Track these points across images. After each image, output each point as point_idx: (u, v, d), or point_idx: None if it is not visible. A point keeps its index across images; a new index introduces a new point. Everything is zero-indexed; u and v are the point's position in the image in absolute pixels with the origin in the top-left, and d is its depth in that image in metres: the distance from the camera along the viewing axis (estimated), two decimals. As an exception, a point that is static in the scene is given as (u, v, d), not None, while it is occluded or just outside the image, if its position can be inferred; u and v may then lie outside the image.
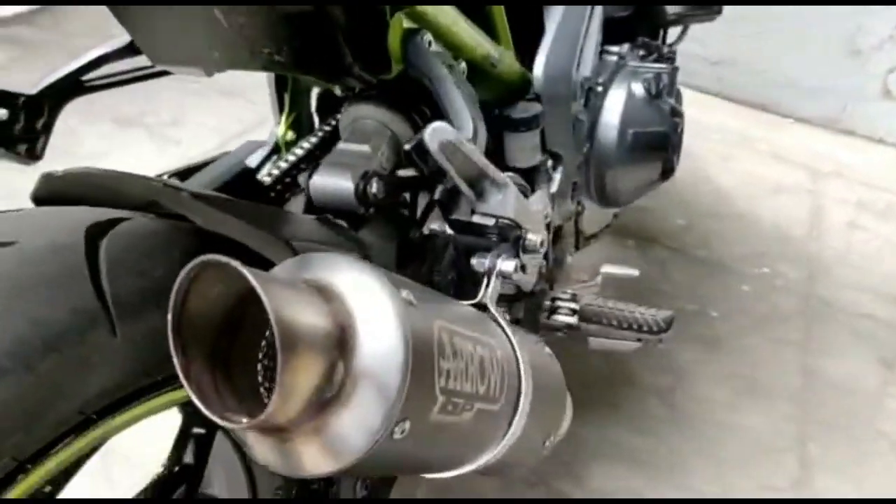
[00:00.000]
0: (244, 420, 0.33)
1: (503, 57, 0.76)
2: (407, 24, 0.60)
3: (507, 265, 0.52)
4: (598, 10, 0.93)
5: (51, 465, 0.39)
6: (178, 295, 0.34)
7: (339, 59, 0.60)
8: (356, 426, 0.35)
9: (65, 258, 0.42)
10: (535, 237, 0.58)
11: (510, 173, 0.57)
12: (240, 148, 0.82)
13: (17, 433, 0.36)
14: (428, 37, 0.61)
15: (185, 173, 0.76)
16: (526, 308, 0.84)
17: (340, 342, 0.34)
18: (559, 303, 0.84)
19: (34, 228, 0.44)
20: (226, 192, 0.68)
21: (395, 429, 0.35)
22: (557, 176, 0.88)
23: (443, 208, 0.58)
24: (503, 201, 0.52)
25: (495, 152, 0.81)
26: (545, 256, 0.84)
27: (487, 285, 0.51)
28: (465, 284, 0.59)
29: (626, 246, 1.82)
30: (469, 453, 0.46)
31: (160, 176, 0.75)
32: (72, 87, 0.73)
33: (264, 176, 0.68)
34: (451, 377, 0.39)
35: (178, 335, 0.34)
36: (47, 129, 0.72)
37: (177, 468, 0.64)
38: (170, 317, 0.34)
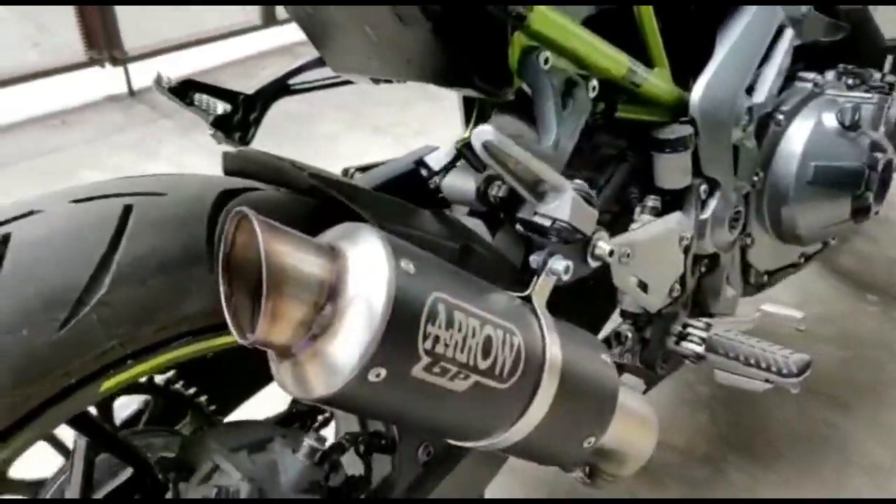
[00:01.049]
0: (250, 336, 0.42)
1: (651, 76, 0.77)
2: (528, 41, 0.66)
3: (557, 264, 0.55)
4: (788, 34, 0.89)
5: (146, 365, 0.51)
6: (226, 238, 0.44)
7: (466, 74, 0.68)
8: (337, 361, 0.42)
9: (195, 210, 0.55)
10: (606, 245, 0.60)
11: (578, 181, 0.59)
12: (415, 151, 0.92)
13: (126, 325, 0.49)
14: (545, 55, 0.66)
15: (366, 168, 0.88)
16: (654, 329, 0.84)
17: (332, 289, 0.42)
18: (690, 329, 0.82)
19: (185, 186, 0.57)
20: (391, 188, 0.79)
21: (370, 371, 0.42)
22: (712, 202, 0.86)
23: (505, 206, 0.63)
24: (560, 206, 0.55)
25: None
26: (682, 280, 0.84)
27: (536, 280, 0.54)
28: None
29: (867, 301, 1.64)
30: (478, 424, 0.50)
31: (348, 169, 0.88)
32: (279, 90, 0.89)
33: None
34: (441, 343, 0.44)
35: (225, 271, 0.44)
36: (257, 122, 0.89)
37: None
38: (220, 255, 0.44)
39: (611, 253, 0.61)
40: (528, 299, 0.54)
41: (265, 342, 0.42)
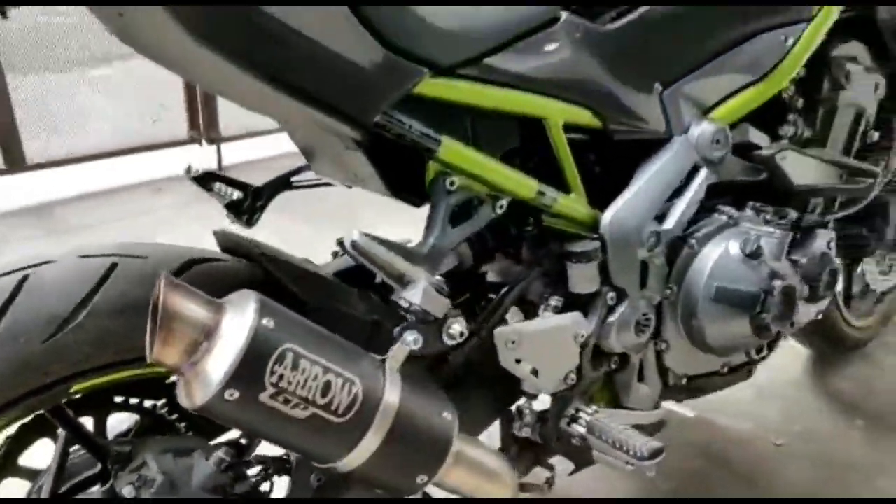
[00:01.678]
0: (150, 356, 0.62)
1: (563, 199, 0.95)
2: (441, 168, 0.85)
3: (409, 336, 0.72)
4: (703, 173, 1.04)
5: (106, 378, 0.72)
6: (156, 291, 0.65)
7: (393, 188, 0.88)
8: (205, 381, 0.61)
9: (161, 271, 0.76)
10: (459, 328, 0.77)
11: (437, 277, 0.76)
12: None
13: (92, 347, 0.70)
14: (451, 179, 0.85)
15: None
16: (550, 410, 0.98)
17: (210, 331, 0.62)
18: (580, 413, 0.96)
19: (163, 253, 0.79)
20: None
21: (225, 391, 0.61)
22: (619, 308, 1.00)
23: (383, 291, 0.81)
24: (414, 293, 0.73)
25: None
26: (579, 371, 0.98)
27: (393, 347, 0.72)
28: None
29: (854, 425, 1.68)
30: (319, 447, 0.67)
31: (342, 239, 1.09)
32: (282, 184, 1.13)
33: None
34: (285, 380, 0.63)
35: (153, 312, 0.65)
36: (262, 208, 1.12)
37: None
38: (151, 301, 0.65)
39: (461, 334, 0.78)
40: (382, 361, 0.72)
41: (158, 361, 0.61)
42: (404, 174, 0.87)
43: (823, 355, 1.89)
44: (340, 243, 0.84)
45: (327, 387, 0.65)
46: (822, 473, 1.53)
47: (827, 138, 1.16)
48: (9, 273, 0.71)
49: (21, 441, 0.84)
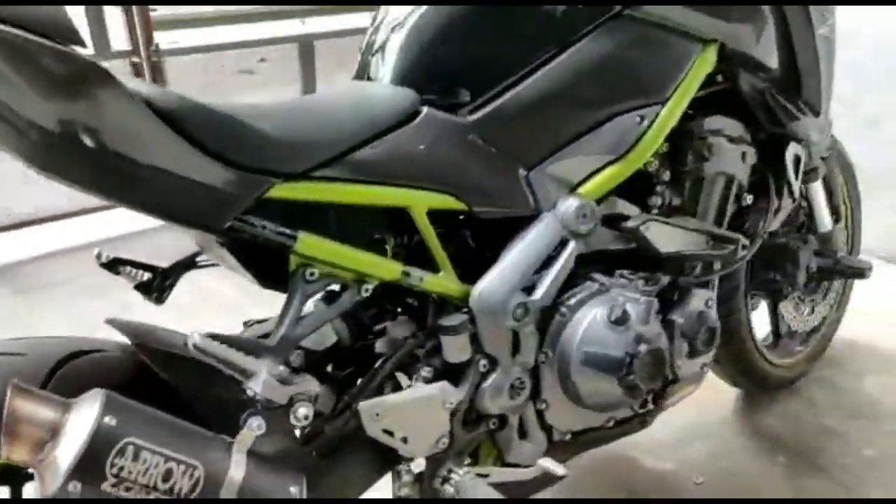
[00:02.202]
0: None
1: (428, 278, 1.04)
2: (301, 260, 0.94)
3: (252, 422, 0.81)
4: (571, 245, 1.13)
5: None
6: (9, 394, 0.74)
7: (262, 280, 0.98)
8: (51, 475, 0.70)
9: (41, 367, 0.85)
10: (304, 411, 0.86)
11: (281, 367, 0.86)
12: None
13: None
14: (311, 270, 0.94)
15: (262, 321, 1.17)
16: (426, 471, 1.06)
17: (57, 430, 0.71)
18: (452, 474, 1.04)
19: (45, 347, 0.88)
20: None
21: (69, 484, 0.70)
22: (493, 375, 1.09)
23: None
24: (256, 383, 0.82)
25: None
26: (451, 434, 1.06)
27: (241, 432, 0.81)
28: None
29: (776, 462, 1.74)
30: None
31: (248, 322, 1.18)
32: (188, 264, 1.22)
33: None
34: (126, 470, 0.72)
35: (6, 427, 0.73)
36: (171, 287, 1.21)
37: None
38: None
39: (306, 417, 0.87)
40: (229, 444, 0.81)
41: (9, 459, 0.71)
42: (269, 267, 0.96)
43: (751, 393, 1.95)
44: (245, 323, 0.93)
45: (168, 473, 0.74)
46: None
47: (697, 206, 1.24)
48: None
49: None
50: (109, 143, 0.75)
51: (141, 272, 1.17)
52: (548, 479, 1.21)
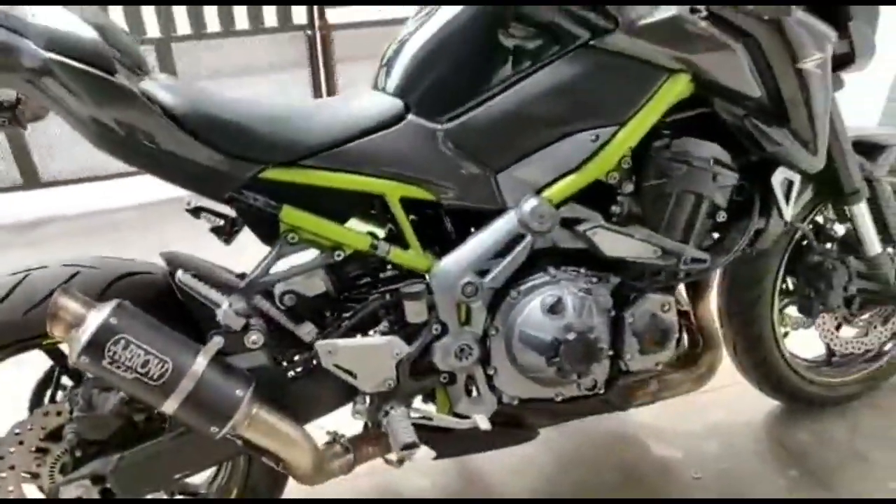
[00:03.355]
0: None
1: (394, 251, 1.29)
2: (287, 226, 1.25)
3: (216, 338, 1.15)
4: (527, 240, 1.31)
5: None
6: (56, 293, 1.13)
7: (263, 238, 1.29)
8: (72, 350, 1.08)
9: (104, 279, 1.24)
10: (255, 337, 1.17)
11: (243, 305, 1.17)
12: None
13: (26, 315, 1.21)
14: (292, 235, 1.24)
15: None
16: (370, 405, 1.34)
17: (81, 320, 1.09)
18: (391, 410, 1.30)
19: (111, 266, 1.27)
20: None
21: (80, 357, 1.07)
22: (443, 338, 1.33)
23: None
24: (220, 312, 1.14)
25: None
26: (398, 379, 1.31)
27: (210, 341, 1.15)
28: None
29: (785, 476, 1.77)
30: (144, 396, 1.11)
31: None
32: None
33: None
34: (117, 354, 1.08)
35: (49, 312, 1.13)
36: (237, 232, 1.57)
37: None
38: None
39: (254, 342, 1.18)
40: (198, 351, 1.14)
41: (52, 335, 1.10)
42: (269, 231, 1.27)
43: (793, 407, 1.96)
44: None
45: (146, 363, 1.09)
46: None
47: (661, 219, 1.35)
48: (18, 273, 1.23)
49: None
50: (133, 136, 1.11)
51: (215, 218, 1.53)
52: (508, 435, 1.45)
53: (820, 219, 1.74)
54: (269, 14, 3.07)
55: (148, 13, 2.90)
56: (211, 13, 2.98)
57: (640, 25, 1.23)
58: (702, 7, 1.24)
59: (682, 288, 1.57)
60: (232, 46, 3.12)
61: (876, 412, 1.96)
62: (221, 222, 1.41)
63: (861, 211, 1.64)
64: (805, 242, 1.71)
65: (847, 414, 1.95)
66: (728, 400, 1.98)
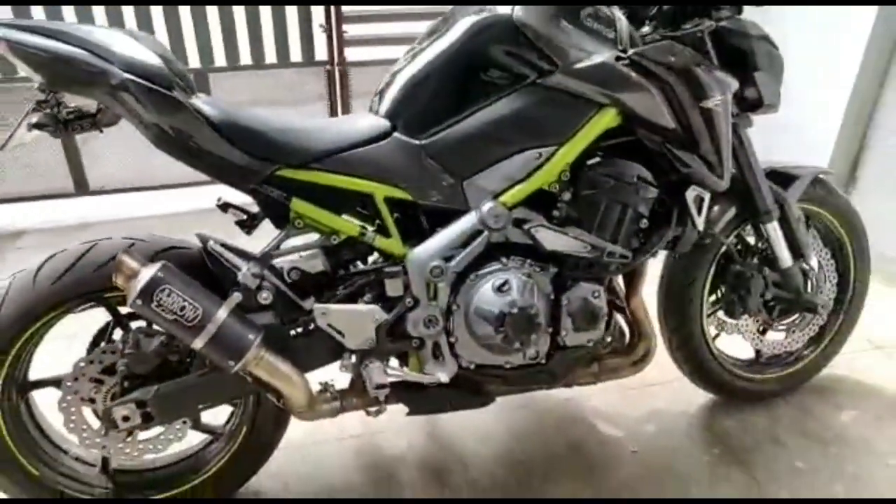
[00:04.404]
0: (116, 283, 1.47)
1: (378, 239, 1.65)
2: (294, 214, 1.61)
3: (235, 294, 1.50)
4: (484, 235, 1.66)
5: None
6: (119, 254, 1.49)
7: (275, 222, 1.65)
8: (129, 296, 1.44)
9: (151, 250, 1.61)
10: (264, 295, 1.53)
11: (257, 270, 1.53)
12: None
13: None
14: (298, 220, 1.61)
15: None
16: (355, 359, 1.68)
17: (136, 275, 1.45)
18: (370, 365, 1.65)
19: (157, 241, 1.64)
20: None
21: (135, 302, 1.43)
22: (415, 310, 1.67)
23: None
24: (241, 275, 1.51)
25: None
26: (377, 339, 1.66)
27: (231, 295, 1.50)
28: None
29: (708, 451, 2.08)
30: (179, 334, 1.47)
31: None
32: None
33: None
34: (163, 301, 1.44)
35: (115, 266, 1.50)
36: (256, 226, 1.94)
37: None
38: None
39: (265, 298, 1.54)
40: (222, 303, 1.50)
41: (116, 285, 1.46)
42: (283, 218, 1.64)
43: (726, 401, 2.28)
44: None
45: (183, 308, 1.45)
46: (653, 480, 1.99)
47: (593, 223, 1.70)
48: (88, 242, 1.61)
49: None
50: (183, 138, 1.48)
51: (240, 213, 1.89)
52: (455, 396, 1.78)
53: (745, 236, 2.08)
54: (295, 50, 3.48)
55: (190, 45, 3.33)
56: (244, 48, 3.40)
57: (575, 69, 1.59)
58: (625, 56, 1.61)
59: (620, 286, 1.91)
60: (261, 78, 3.54)
61: (794, 408, 2.27)
62: (245, 216, 1.77)
63: (773, 229, 1.97)
64: (729, 255, 2.04)
65: (770, 407, 2.26)
66: (670, 392, 2.31)
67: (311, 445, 2.10)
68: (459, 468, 2.04)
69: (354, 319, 1.64)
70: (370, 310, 1.65)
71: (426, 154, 1.65)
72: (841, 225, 2.13)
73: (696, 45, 1.72)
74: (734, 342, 2.21)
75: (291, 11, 3.35)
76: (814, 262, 2.08)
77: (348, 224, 1.64)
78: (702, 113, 1.66)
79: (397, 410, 1.79)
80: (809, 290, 2.11)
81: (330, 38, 3.51)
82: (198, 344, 1.48)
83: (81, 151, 3.45)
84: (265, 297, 1.56)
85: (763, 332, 2.19)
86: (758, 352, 2.25)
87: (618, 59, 1.61)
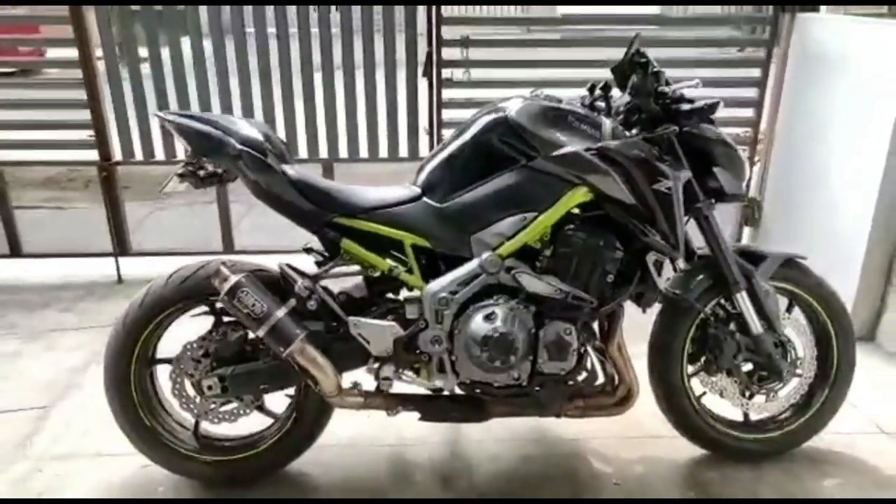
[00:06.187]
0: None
1: (403, 274, 2.22)
2: (346, 250, 2.22)
3: (290, 301, 2.10)
4: (482, 278, 2.18)
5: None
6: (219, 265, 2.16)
7: (330, 252, 2.27)
8: (221, 290, 2.10)
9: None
10: (312, 303, 2.11)
11: (308, 285, 2.11)
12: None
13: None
14: (348, 255, 2.21)
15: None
16: (383, 364, 2.22)
17: (228, 279, 2.11)
18: (386, 370, 2.18)
19: (248, 265, 2.30)
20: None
21: (224, 297, 2.08)
22: (426, 331, 2.20)
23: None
24: (296, 286, 2.10)
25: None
26: (394, 350, 2.19)
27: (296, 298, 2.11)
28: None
29: (686, 493, 2.37)
30: (249, 324, 2.08)
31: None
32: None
33: None
34: (240, 297, 2.07)
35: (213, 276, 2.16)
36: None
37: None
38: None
39: (312, 306, 2.13)
40: (286, 305, 2.11)
41: (216, 287, 2.12)
42: (334, 251, 2.25)
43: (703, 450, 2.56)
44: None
45: (254, 304, 2.08)
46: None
47: (568, 273, 2.17)
48: (203, 260, 2.30)
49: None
50: (273, 191, 2.15)
51: (318, 255, 2.53)
52: (459, 409, 2.27)
53: (725, 306, 2.44)
54: (403, 146, 4.21)
55: (321, 140, 4.17)
56: (363, 145, 4.19)
57: (552, 156, 2.13)
58: (594, 147, 2.12)
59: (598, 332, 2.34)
60: (377, 168, 4.31)
61: (781, 470, 2.50)
62: (321, 258, 2.40)
63: (742, 299, 2.33)
64: (707, 321, 2.41)
65: (757, 467, 2.51)
66: (666, 444, 2.61)
67: (349, 447, 2.62)
68: (466, 476, 2.47)
69: (378, 331, 2.20)
70: (390, 325, 2.20)
71: (444, 214, 2.22)
72: (818, 304, 2.43)
73: (668, 144, 2.20)
74: (726, 403, 2.51)
75: (402, 117, 4.12)
76: (789, 332, 2.39)
77: (382, 261, 2.23)
78: (655, 194, 2.12)
79: (429, 431, 2.31)
80: (788, 358, 2.40)
81: (431, 138, 4.23)
82: (260, 332, 2.09)
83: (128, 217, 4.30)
84: (312, 305, 2.16)
85: (750, 397, 2.47)
86: (745, 414, 2.53)
87: (587, 149, 2.12)
